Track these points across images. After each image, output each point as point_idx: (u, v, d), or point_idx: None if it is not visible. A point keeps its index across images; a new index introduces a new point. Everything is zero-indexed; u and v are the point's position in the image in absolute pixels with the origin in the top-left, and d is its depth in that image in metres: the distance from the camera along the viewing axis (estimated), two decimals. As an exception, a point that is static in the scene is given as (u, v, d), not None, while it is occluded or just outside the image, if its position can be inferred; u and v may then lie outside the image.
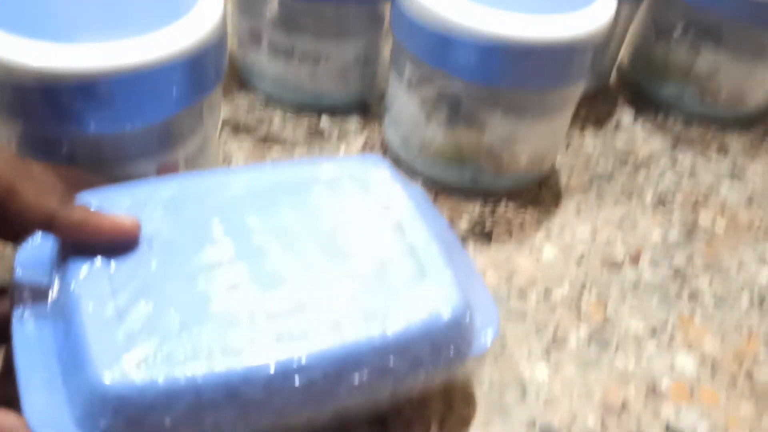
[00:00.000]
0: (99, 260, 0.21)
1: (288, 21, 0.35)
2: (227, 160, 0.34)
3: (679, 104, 0.42)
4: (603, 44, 0.31)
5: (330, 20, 0.35)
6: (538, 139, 0.33)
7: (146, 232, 0.22)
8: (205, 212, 0.24)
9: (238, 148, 0.35)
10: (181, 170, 0.29)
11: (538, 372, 0.27)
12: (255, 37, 0.36)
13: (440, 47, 0.30)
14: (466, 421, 0.25)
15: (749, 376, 0.28)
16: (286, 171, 0.26)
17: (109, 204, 0.23)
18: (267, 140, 0.36)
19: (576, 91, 0.33)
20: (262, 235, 0.23)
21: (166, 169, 0.28)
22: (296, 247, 0.23)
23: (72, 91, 0.24)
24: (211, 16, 0.27)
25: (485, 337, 0.24)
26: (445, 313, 0.22)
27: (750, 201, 0.37)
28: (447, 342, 0.22)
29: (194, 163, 0.29)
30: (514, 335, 0.28)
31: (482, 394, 0.26)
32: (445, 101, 0.32)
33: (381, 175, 0.26)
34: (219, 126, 0.31)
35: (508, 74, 0.30)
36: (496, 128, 0.32)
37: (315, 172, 0.26)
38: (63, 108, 0.24)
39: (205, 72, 0.27)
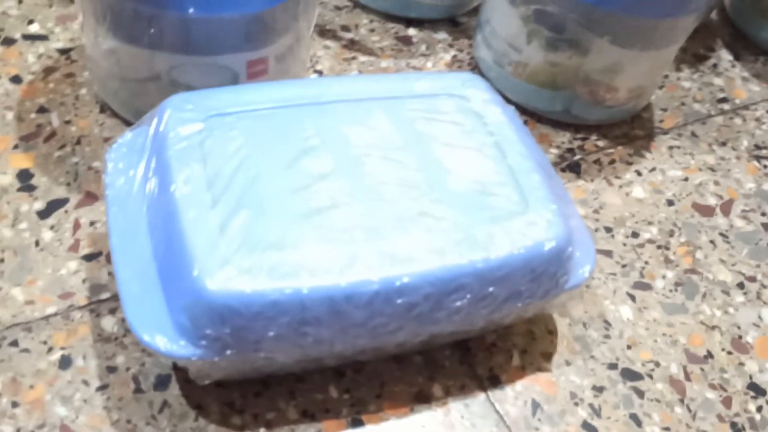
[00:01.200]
0: (198, 163, 0.21)
1: None
2: (313, 63, 0.33)
3: (783, 48, 0.39)
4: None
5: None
6: (640, 71, 0.31)
7: (243, 139, 0.22)
8: (303, 122, 0.23)
9: (324, 51, 0.34)
10: (270, 68, 0.28)
11: (623, 312, 0.27)
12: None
13: (554, -38, 0.28)
14: (548, 355, 0.25)
15: (838, 338, 0.27)
16: (382, 83, 0.25)
17: (203, 108, 0.22)
18: (353, 47, 0.34)
19: (690, 22, 0.31)
20: (360, 148, 0.23)
21: (256, 66, 0.27)
22: (396, 162, 0.22)
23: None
24: None
25: (582, 271, 0.23)
26: (548, 243, 0.21)
27: None
28: (547, 273, 0.22)
29: (283, 63, 0.28)
30: (601, 272, 0.28)
31: (565, 329, 0.26)
32: (549, 20, 0.30)
33: (479, 93, 0.25)
34: (312, 27, 0.29)
35: (623, -2, 0.28)
36: (600, 56, 0.30)
37: (411, 86, 0.25)
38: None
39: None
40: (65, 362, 0.21)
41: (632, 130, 0.34)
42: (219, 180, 0.20)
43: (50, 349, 0.22)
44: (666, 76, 0.37)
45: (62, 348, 0.22)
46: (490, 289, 0.21)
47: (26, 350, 0.22)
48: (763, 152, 0.34)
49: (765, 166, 0.33)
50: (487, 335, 0.25)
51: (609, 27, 0.29)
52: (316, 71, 0.33)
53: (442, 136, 0.24)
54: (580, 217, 0.25)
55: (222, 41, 0.26)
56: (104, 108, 0.29)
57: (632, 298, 0.27)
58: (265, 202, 0.20)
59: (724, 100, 0.36)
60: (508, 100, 0.33)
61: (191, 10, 0.24)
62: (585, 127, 0.33)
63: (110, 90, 0.28)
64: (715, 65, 0.38)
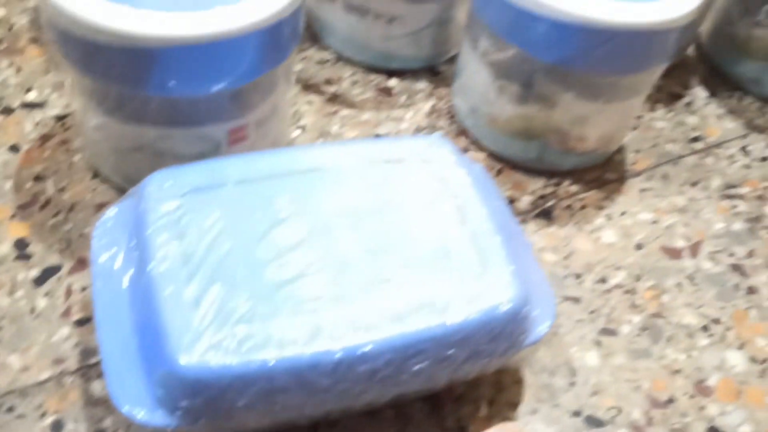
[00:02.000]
0: (175, 240, 0.22)
1: (364, -19, 0.35)
2: (296, 119, 0.35)
3: (757, 86, 0.40)
4: (689, 27, 0.30)
5: (406, -17, 0.34)
6: (609, 120, 0.33)
7: (219, 213, 0.23)
8: (275, 193, 0.24)
9: (308, 106, 0.35)
10: (251, 133, 0.30)
11: (589, 359, 0.28)
12: (329, -6, 0.36)
13: (518, 23, 0.30)
14: (514, 404, 0.26)
15: (799, 379, 0.28)
16: (351, 151, 0.26)
17: (182, 184, 0.24)
18: (335, 100, 0.36)
19: (655, 74, 0.32)
20: (329, 217, 0.24)
21: (237, 133, 0.29)
22: (363, 230, 0.24)
23: (153, 55, 0.25)
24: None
25: (541, 328, 0.25)
26: (504, 306, 0.23)
27: (821, 194, 0.36)
28: (504, 334, 0.23)
29: (264, 126, 0.30)
30: (568, 319, 0.29)
31: (532, 377, 0.27)
32: (517, 77, 0.31)
33: (445, 156, 0.27)
34: (291, 89, 0.31)
35: (587, 57, 0.29)
36: (567, 109, 0.32)
37: (378, 152, 0.26)
38: (143, 70, 0.25)
39: (283, 40, 0.27)
40: (57, 426, 0.23)
41: (605, 174, 0.35)
42: (194, 255, 0.22)
43: (43, 414, 0.23)
44: (640, 117, 0.38)
45: (55, 412, 0.24)
46: (449, 351, 0.22)
47: (22, 416, 0.23)
48: (734, 191, 0.35)
49: (735, 206, 0.34)
50: (456, 387, 0.26)
51: (573, 83, 0.31)
52: (299, 127, 0.34)
53: (407, 201, 0.25)
54: (542, 273, 0.26)
55: (204, 114, 0.28)
56: (96, 174, 0.30)
57: (598, 344, 0.28)
58: (238, 275, 0.22)
59: (697, 138, 0.38)
60: (485, 148, 0.35)
61: (174, 91, 0.26)
62: (559, 172, 0.34)
63: (101, 157, 0.30)
64: (689, 103, 0.40)
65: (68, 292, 0.27)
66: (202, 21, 0.25)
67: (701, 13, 0.38)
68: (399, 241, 0.24)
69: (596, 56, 0.29)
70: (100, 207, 0.29)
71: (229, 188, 0.24)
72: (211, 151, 0.29)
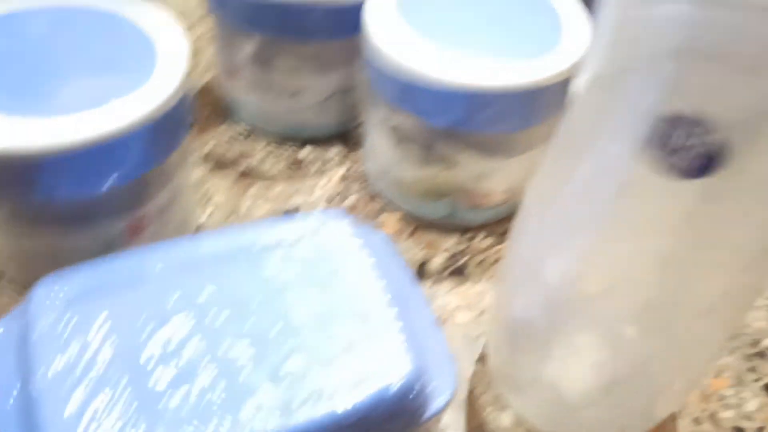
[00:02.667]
0: (59, 353, 0.22)
1: (264, 58, 0.35)
2: (207, 198, 0.35)
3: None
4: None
5: (307, 56, 0.35)
6: (512, 174, 0.33)
7: (105, 317, 0.23)
8: (164, 288, 0.24)
9: (219, 184, 0.36)
10: (150, 224, 0.30)
11: (503, 419, 0.28)
12: (234, 73, 0.37)
13: (407, 93, 0.30)
14: (427, 475, 0.26)
15: None
16: (244, 236, 0.26)
17: (67, 290, 0.24)
18: (247, 175, 0.36)
19: (548, 126, 0.33)
20: (219, 311, 0.24)
21: (135, 226, 0.29)
22: (252, 323, 0.24)
23: (37, 165, 0.25)
24: (172, 78, 0.27)
25: (440, 399, 0.25)
26: (396, 385, 0.23)
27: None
28: (398, 413, 0.23)
29: (167, 214, 0.30)
30: (482, 379, 0.29)
31: (445, 445, 0.27)
32: (417, 140, 0.32)
33: (341, 233, 0.27)
34: (192, 172, 0.31)
35: (476, 119, 0.30)
36: (468, 167, 0.32)
37: (273, 235, 0.27)
38: (29, 180, 0.25)
39: (171, 129, 0.28)
40: None
41: (518, 225, 0.35)
42: (77, 367, 0.22)
43: None
44: (553, 163, 0.39)
45: None
46: (344, 435, 0.22)
47: None
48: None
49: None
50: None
51: (470, 143, 0.31)
52: (210, 207, 0.35)
53: (299, 286, 0.25)
54: (444, 342, 0.26)
55: (100, 211, 0.28)
56: (1, 276, 0.30)
57: (507, 404, 0.28)
58: (121, 383, 0.22)
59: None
60: (398, 209, 0.35)
61: (64, 196, 0.26)
62: (472, 227, 0.35)
63: (3, 261, 0.30)
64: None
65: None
66: (84, 123, 0.25)
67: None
68: (287, 329, 0.24)
69: (485, 118, 0.30)
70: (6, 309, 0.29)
71: (118, 289, 0.24)
72: (110, 245, 0.29)
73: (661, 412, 0.27)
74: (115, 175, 0.27)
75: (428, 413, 0.24)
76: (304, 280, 0.25)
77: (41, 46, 0.28)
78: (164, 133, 0.27)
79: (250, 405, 0.22)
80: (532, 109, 0.30)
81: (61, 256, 0.28)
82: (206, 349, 0.23)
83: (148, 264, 0.25)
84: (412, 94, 0.30)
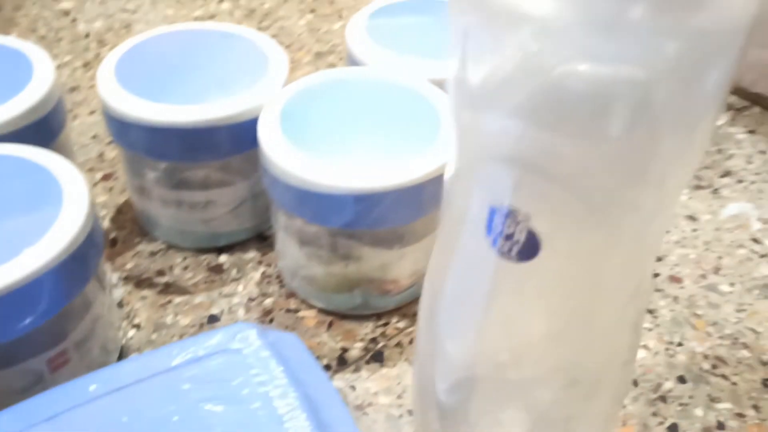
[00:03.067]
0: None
1: (173, 178, 0.37)
2: (130, 318, 0.36)
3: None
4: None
5: (211, 172, 0.37)
6: (413, 259, 0.36)
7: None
8: (82, 422, 0.26)
9: (141, 303, 0.37)
10: (72, 356, 0.31)
11: (428, 497, 0.30)
12: (146, 194, 0.39)
13: (300, 200, 0.32)
14: None
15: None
16: (157, 360, 0.28)
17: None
18: (168, 289, 0.38)
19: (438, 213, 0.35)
20: (138, 432, 0.25)
21: (57, 360, 0.30)
22: (170, 440, 0.25)
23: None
24: (77, 219, 0.29)
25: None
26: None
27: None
28: None
29: (88, 343, 0.31)
30: (405, 462, 0.31)
31: None
32: (318, 243, 0.34)
33: (250, 342, 0.29)
34: (108, 298, 0.33)
35: (366, 219, 0.32)
36: (370, 260, 0.34)
37: (186, 355, 0.28)
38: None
39: (81, 265, 0.29)
40: None
41: (428, 304, 0.38)
42: None
43: None
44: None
45: None
46: None
47: None
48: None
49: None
50: None
51: (367, 239, 0.34)
52: (134, 326, 0.36)
53: (214, 398, 0.27)
54: (374, 414, 0.28)
55: (20, 351, 0.29)
56: (-70, 425, 0.31)
57: (435, 480, 0.30)
58: None
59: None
60: (313, 306, 0.37)
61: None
62: (386, 312, 0.37)
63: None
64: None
65: None
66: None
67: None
68: (204, 443, 0.25)
69: (375, 216, 0.32)
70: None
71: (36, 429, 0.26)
72: (34, 384, 0.30)
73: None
74: (30, 319, 0.28)
75: None
76: (218, 395, 0.27)
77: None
78: (74, 269, 0.29)
79: None
80: (419, 202, 0.33)
81: (-13, 399, 0.29)
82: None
83: (68, 400, 0.27)
84: (304, 202, 0.32)
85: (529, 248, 0.20)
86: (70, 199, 0.30)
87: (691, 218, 0.43)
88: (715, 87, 0.18)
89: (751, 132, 0.50)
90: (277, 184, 0.33)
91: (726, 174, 0.47)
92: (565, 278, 0.21)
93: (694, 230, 0.42)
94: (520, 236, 0.20)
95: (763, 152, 0.48)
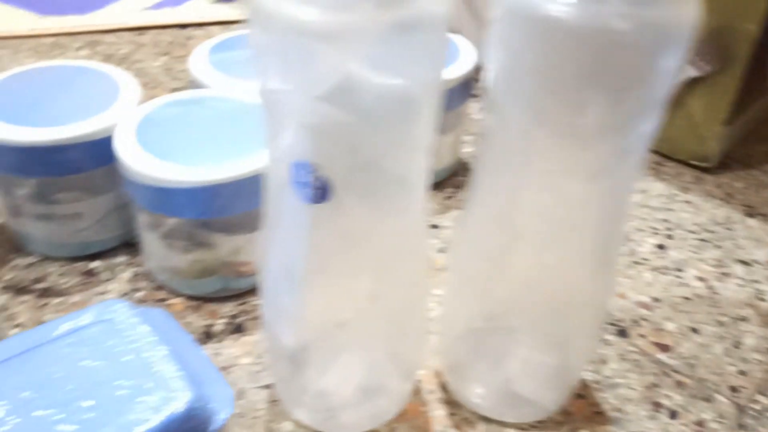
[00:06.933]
0: None
1: (42, 194, 0.42)
2: (12, 320, 0.41)
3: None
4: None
5: (79, 185, 0.42)
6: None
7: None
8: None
9: (21, 306, 0.41)
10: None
11: (285, 427, 0.36)
12: (16, 211, 0.43)
13: (158, 198, 0.38)
14: (227, 482, 0.33)
15: None
16: (40, 332, 0.33)
17: None
18: (46, 294, 0.42)
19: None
20: (27, 392, 0.30)
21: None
22: (57, 394, 0.30)
23: None
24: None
25: (221, 415, 0.32)
26: (180, 409, 0.30)
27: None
28: (189, 428, 0.30)
29: (-23, 337, 0.36)
30: (266, 402, 0.37)
31: (240, 458, 0.34)
32: (178, 235, 0.40)
33: (120, 313, 0.34)
34: (-6, 299, 0.37)
35: (215, 208, 0.39)
36: (224, 246, 0.41)
37: (65, 325, 0.33)
38: None
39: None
40: None
41: (280, 283, 0.44)
42: None
43: None
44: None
45: None
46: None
47: None
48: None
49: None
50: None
51: (217, 227, 0.40)
52: (16, 325, 0.40)
53: (89, 358, 0.32)
54: (221, 376, 0.34)
55: None
56: None
57: (289, 415, 0.36)
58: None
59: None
60: (180, 294, 0.43)
61: None
62: (245, 293, 0.43)
63: None
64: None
65: None
66: None
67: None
68: (87, 391, 0.30)
69: (222, 204, 0.39)
70: None
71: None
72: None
73: (403, 392, 0.36)
74: None
75: (213, 427, 0.32)
76: (94, 355, 0.32)
77: None
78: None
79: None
80: (255, 191, 0.39)
81: None
82: (21, 422, 0.29)
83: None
84: (161, 198, 0.38)
85: (322, 193, 0.27)
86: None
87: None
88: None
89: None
90: (136, 187, 0.39)
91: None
92: (353, 224, 0.29)
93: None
94: (316, 183, 0.27)
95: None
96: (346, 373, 0.35)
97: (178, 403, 0.31)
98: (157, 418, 0.30)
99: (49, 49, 0.68)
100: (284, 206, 0.30)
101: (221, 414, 0.32)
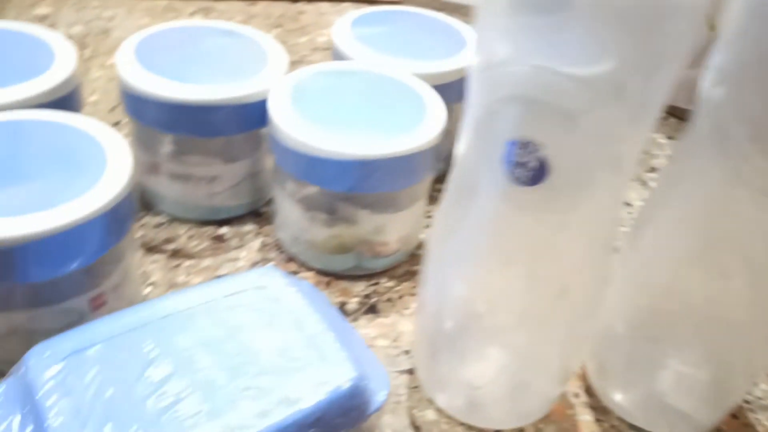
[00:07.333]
0: (64, 398, 0.27)
1: (182, 153, 0.41)
2: (145, 278, 0.40)
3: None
4: (441, 143, 0.40)
5: (218, 149, 0.42)
6: (402, 225, 0.41)
7: (97, 367, 0.28)
8: (142, 340, 0.29)
9: (154, 265, 0.41)
10: (109, 298, 0.34)
11: (428, 415, 0.34)
12: (155, 168, 0.42)
13: (310, 167, 0.37)
14: (375, 465, 0.32)
15: None
16: (200, 292, 0.32)
17: (60, 351, 0.28)
18: (177, 255, 0.42)
19: (424, 184, 0.41)
20: (191, 349, 0.29)
21: (97, 301, 0.34)
22: (220, 354, 0.29)
23: (12, 252, 0.29)
24: (123, 173, 0.33)
25: (379, 396, 0.31)
26: (345, 385, 0.29)
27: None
28: (350, 407, 0.29)
29: (120, 289, 0.35)
30: (406, 388, 0.36)
31: (385, 441, 0.33)
32: (321, 207, 0.39)
33: (276, 281, 0.33)
34: (137, 253, 0.37)
35: (367, 183, 0.37)
36: (366, 223, 0.39)
37: (222, 289, 0.32)
38: (4, 265, 0.30)
39: (122, 219, 0.33)
40: None
41: (411, 267, 0.43)
42: (83, 406, 0.26)
43: None
44: (430, 216, 0.47)
45: None
46: (311, 431, 0.28)
47: None
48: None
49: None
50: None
51: (365, 203, 0.39)
52: (149, 284, 0.40)
53: (250, 323, 0.31)
54: (377, 352, 0.33)
55: (66, 290, 0.32)
56: (-30, 364, 0.34)
57: (433, 402, 0.35)
58: (124, 412, 0.26)
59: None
60: (312, 268, 0.42)
61: (36, 278, 0.30)
62: (376, 274, 0.42)
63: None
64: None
65: (-34, 475, 0.29)
66: (50, 216, 0.30)
67: (451, 131, 0.49)
68: (250, 356, 0.29)
69: (374, 181, 0.37)
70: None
71: (101, 346, 0.29)
72: (77, 320, 0.33)
73: (553, 395, 0.35)
74: (80, 258, 0.31)
75: (371, 409, 0.30)
76: (255, 320, 0.31)
77: (19, 151, 0.33)
78: (119, 219, 0.33)
79: (233, 414, 0.27)
80: (410, 171, 0.38)
81: (33, 336, 0.32)
82: (188, 378, 0.28)
83: (121, 323, 0.30)
84: (314, 168, 0.37)
85: (540, 173, 0.26)
86: (114, 157, 0.33)
87: (627, 204, 0.51)
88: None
89: (670, 138, 0.58)
90: (287, 154, 0.38)
91: (652, 170, 0.55)
92: (562, 208, 0.27)
93: (630, 213, 0.50)
94: (533, 164, 0.26)
95: (679, 152, 0.57)
96: (499, 366, 0.33)
97: (342, 379, 0.29)
98: (322, 393, 0.29)
99: (163, 12, 0.68)
100: (481, 188, 0.28)
101: (379, 396, 0.31)
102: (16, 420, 0.27)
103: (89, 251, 0.32)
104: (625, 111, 0.25)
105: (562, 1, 0.23)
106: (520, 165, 0.26)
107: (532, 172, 0.26)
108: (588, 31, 0.23)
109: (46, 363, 0.28)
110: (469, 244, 0.30)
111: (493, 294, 0.31)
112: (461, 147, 0.29)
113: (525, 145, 0.25)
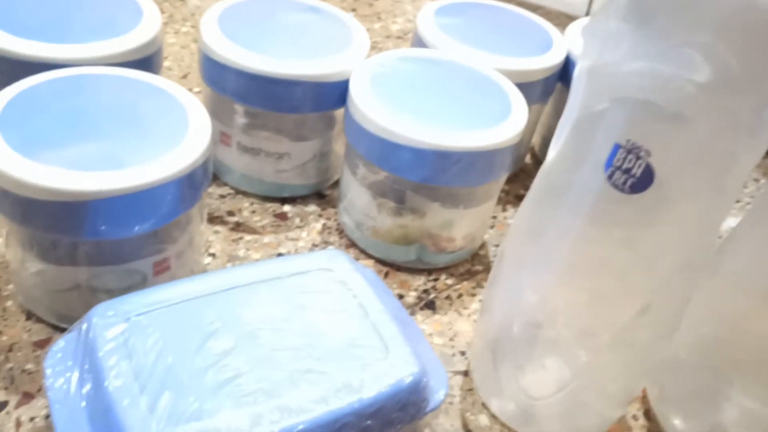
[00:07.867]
0: (125, 359, 0.26)
1: (254, 127, 0.41)
2: (207, 247, 0.39)
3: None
4: (519, 144, 0.38)
5: (290, 126, 0.41)
6: (470, 222, 0.40)
7: (159, 332, 0.27)
8: (205, 310, 0.29)
9: (215, 236, 0.40)
10: (172, 264, 0.34)
11: (481, 420, 0.33)
12: (225, 139, 0.42)
13: (387, 153, 0.36)
14: (425, 465, 0.31)
15: None
16: (264, 268, 0.31)
17: (123, 312, 0.28)
18: (239, 228, 0.41)
19: (499, 182, 0.40)
20: (254, 324, 0.29)
21: (160, 265, 0.33)
22: (283, 333, 0.29)
23: (85, 207, 0.29)
24: (202, 139, 0.32)
25: (438, 395, 0.30)
26: (407, 379, 0.28)
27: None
28: (410, 402, 0.28)
29: (183, 257, 0.35)
30: (460, 389, 0.35)
31: (436, 442, 0.32)
32: (391, 195, 0.38)
33: (342, 265, 0.32)
34: (203, 222, 0.36)
35: (444, 175, 0.36)
36: (435, 216, 0.38)
37: (288, 267, 0.32)
38: (77, 220, 0.29)
39: (196, 185, 0.33)
40: None
41: (473, 267, 0.42)
42: (143, 370, 0.26)
43: None
44: (495, 217, 0.46)
45: None
46: (368, 422, 0.27)
47: None
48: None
49: (580, 281, 0.42)
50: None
51: (437, 195, 0.38)
52: (210, 254, 0.39)
53: (315, 305, 0.30)
54: (433, 350, 0.32)
55: (132, 252, 0.32)
56: (30, 315, 0.34)
57: (487, 407, 0.34)
58: (183, 381, 0.26)
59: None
60: (372, 256, 0.41)
61: (105, 235, 0.30)
62: (436, 269, 0.41)
63: (35, 300, 0.33)
64: (534, 201, 0.48)
65: (18, 424, 0.29)
66: (129, 175, 0.29)
67: (526, 132, 0.47)
68: (314, 338, 0.29)
69: (451, 174, 0.36)
70: (38, 344, 0.32)
71: (164, 311, 0.28)
72: (139, 283, 0.33)
73: (612, 417, 0.33)
74: (150, 220, 0.31)
75: (429, 407, 0.29)
76: (319, 302, 0.30)
77: (100, 107, 0.32)
78: (192, 185, 0.32)
79: (291, 395, 0.26)
80: (489, 167, 0.37)
81: (94, 294, 0.32)
82: (249, 353, 0.28)
83: (185, 291, 0.30)
84: (389, 154, 0.36)
85: (643, 181, 0.24)
86: (195, 122, 0.33)
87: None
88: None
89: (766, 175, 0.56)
90: (364, 137, 0.37)
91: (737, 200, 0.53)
92: (662, 220, 0.26)
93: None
94: (638, 170, 0.24)
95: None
96: (559, 381, 0.32)
97: (405, 373, 0.28)
98: (384, 385, 0.28)
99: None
100: (572, 193, 0.27)
101: (438, 394, 0.30)
102: (75, 376, 0.27)
103: (160, 214, 0.31)
104: (739, 123, 0.24)
105: (677, 9, 0.21)
106: (624, 171, 0.24)
107: (635, 179, 0.24)
108: (704, 37, 0.22)
109: (110, 322, 0.28)
110: (551, 252, 0.29)
111: (568, 306, 0.30)
112: (553, 151, 0.28)
113: (631, 150, 0.24)
